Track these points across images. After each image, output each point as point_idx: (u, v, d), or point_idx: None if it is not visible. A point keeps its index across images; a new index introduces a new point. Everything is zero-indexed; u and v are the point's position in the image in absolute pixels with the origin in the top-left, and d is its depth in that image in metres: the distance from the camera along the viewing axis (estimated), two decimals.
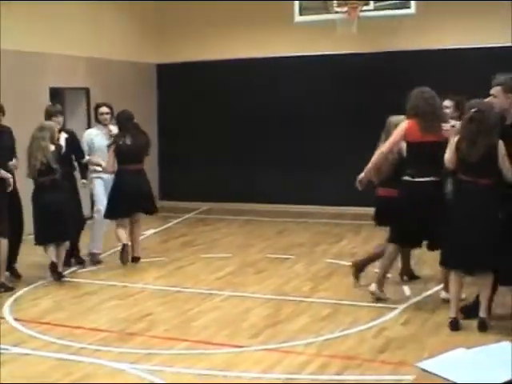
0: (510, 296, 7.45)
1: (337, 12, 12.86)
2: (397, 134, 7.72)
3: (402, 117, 8.23)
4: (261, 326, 7.42)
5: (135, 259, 10.14)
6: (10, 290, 8.83)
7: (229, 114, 15.47)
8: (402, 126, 7.70)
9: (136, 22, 15.66)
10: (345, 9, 12.75)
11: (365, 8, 12.75)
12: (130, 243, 10.00)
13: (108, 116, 10.41)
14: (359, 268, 8.81)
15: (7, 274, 9.18)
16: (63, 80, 13.74)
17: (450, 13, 13.61)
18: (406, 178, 7.66)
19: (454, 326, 7.13)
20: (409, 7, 12.63)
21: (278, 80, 15.07)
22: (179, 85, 15.97)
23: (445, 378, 5.96)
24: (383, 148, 7.83)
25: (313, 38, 14.45)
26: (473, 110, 7.01)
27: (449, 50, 13.74)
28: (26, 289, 8.98)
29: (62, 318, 7.84)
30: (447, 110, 8.59)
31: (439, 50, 13.80)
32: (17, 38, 12.49)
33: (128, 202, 9.86)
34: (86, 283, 9.20)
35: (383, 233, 8.23)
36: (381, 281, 8.09)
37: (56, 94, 13.75)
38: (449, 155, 7.18)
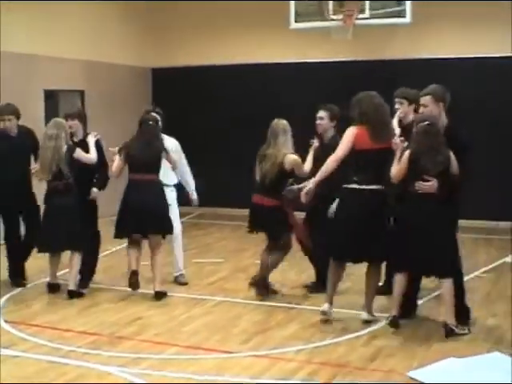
0: (500, 305, 7.48)
1: (332, 19, 12.88)
2: (346, 142, 7.41)
3: (285, 121, 8.51)
4: (251, 332, 7.43)
5: (158, 294, 8.66)
6: None
7: (224, 118, 15.46)
8: (350, 134, 7.41)
9: (132, 25, 15.66)
10: (340, 16, 12.77)
11: (360, 16, 12.77)
12: (137, 268, 8.76)
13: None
14: (261, 284, 8.71)
15: None
16: (58, 82, 13.75)
17: (445, 22, 13.70)
18: (353, 185, 7.40)
19: (394, 324, 7.30)
20: (404, 16, 12.66)
21: (273, 85, 15.09)
22: (174, 89, 15.97)
23: None
24: (334, 157, 7.47)
25: (308, 44, 14.48)
26: (426, 123, 7.06)
27: (444, 59, 13.78)
28: (17, 290, 8.95)
29: (52, 321, 7.83)
30: (321, 121, 8.66)
31: (434, 60, 13.84)
32: (12, 40, 12.51)
33: (130, 218, 8.60)
34: None
35: None
36: (330, 296, 7.83)
37: (50, 96, 13.76)
38: (397, 170, 7.23)
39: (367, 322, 7.59)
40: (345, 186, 7.48)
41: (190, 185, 9.73)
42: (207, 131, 15.52)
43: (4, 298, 8.60)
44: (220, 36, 15.59)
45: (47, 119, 13.30)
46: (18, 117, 9.03)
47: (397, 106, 7.98)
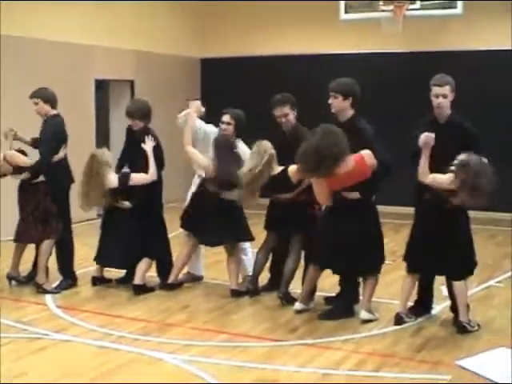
0: None
1: (383, 10, 12.85)
2: None
3: None
4: (299, 321, 7.46)
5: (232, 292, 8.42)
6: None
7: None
8: None
9: (182, 16, 15.76)
10: (390, 7, 12.74)
11: (411, 7, 12.73)
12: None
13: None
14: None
15: None
16: (108, 72, 13.89)
17: (497, 13, 13.53)
18: None
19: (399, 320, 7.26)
20: (455, 7, 12.59)
21: (322, 77, 15.02)
22: (223, 79, 16.04)
23: (485, 378, 5.94)
24: None
25: (358, 35, 14.46)
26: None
27: (495, 51, 13.65)
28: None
29: (102, 307, 7.96)
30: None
31: (485, 52, 13.73)
32: (64, 30, 12.69)
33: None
34: None
35: None
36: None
37: (101, 86, 13.91)
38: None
39: (366, 322, 7.42)
40: None
41: None
42: (255, 122, 15.53)
43: (55, 284, 8.69)
44: (269, 26, 15.61)
45: (97, 109, 13.52)
46: (46, 101, 8.53)
47: (330, 101, 7.54)
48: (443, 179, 6.79)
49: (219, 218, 8.28)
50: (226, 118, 8.52)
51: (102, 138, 13.76)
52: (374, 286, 7.54)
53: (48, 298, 8.23)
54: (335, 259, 7.44)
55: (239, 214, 8.49)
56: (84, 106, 13.11)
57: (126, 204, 8.42)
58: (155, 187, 8.51)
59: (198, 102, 8.76)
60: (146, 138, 8.40)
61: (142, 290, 8.47)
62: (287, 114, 8.33)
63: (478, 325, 7.19)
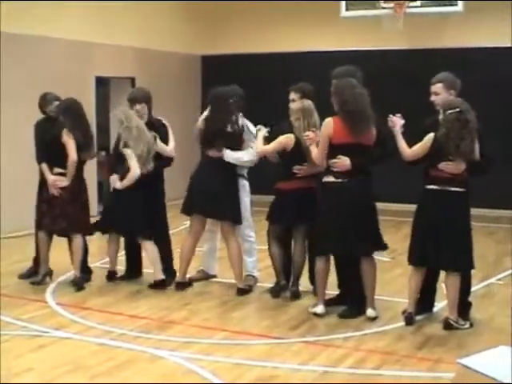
0: None
1: (383, 8, 12.86)
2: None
3: None
4: (300, 318, 7.45)
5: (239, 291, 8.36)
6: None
7: (273, 106, 15.46)
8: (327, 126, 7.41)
9: (183, 13, 15.73)
10: (391, 5, 12.75)
11: (411, 4, 12.74)
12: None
13: None
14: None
15: None
16: (109, 69, 13.88)
17: (497, 10, 13.51)
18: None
19: (409, 321, 7.18)
20: (456, 4, 12.59)
21: (322, 74, 15.02)
22: (223, 76, 15.98)
23: (488, 376, 5.91)
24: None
25: (358, 33, 14.44)
26: (457, 111, 6.80)
27: (496, 48, 13.64)
28: (68, 274, 8.93)
29: (102, 304, 7.95)
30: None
31: (486, 49, 13.72)
32: (65, 27, 12.66)
33: (190, 197, 8.42)
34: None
35: None
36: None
37: (101, 83, 13.88)
38: (418, 150, 7.09)
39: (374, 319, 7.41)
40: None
41: None
42: (257, 120, 15.51)
43: (56, 282, 8.72)
44: (270, 24, 15.59)
45: (98, 106, 13.50)
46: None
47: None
48: (419, 146, 7.07)
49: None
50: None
51: (103, 135, 13.72)
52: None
53: (48, 295, 8.23)
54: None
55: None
56: (84, 104, 12.92)
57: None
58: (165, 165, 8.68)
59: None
60: (161, 118, 8.73)
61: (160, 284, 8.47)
62: (293, 100, 8.57)
63: (471, 323, 7.15)
